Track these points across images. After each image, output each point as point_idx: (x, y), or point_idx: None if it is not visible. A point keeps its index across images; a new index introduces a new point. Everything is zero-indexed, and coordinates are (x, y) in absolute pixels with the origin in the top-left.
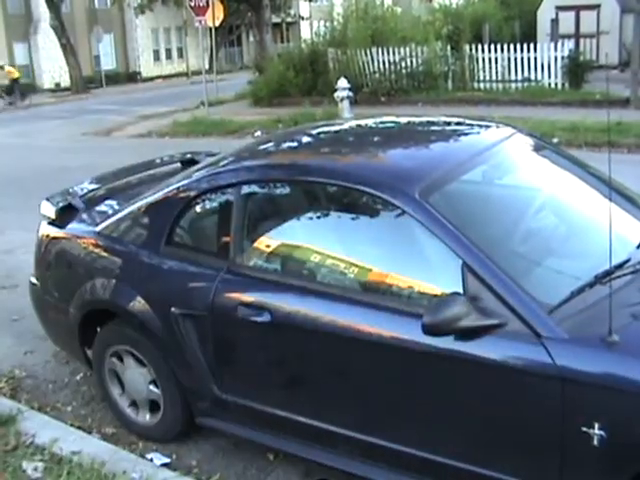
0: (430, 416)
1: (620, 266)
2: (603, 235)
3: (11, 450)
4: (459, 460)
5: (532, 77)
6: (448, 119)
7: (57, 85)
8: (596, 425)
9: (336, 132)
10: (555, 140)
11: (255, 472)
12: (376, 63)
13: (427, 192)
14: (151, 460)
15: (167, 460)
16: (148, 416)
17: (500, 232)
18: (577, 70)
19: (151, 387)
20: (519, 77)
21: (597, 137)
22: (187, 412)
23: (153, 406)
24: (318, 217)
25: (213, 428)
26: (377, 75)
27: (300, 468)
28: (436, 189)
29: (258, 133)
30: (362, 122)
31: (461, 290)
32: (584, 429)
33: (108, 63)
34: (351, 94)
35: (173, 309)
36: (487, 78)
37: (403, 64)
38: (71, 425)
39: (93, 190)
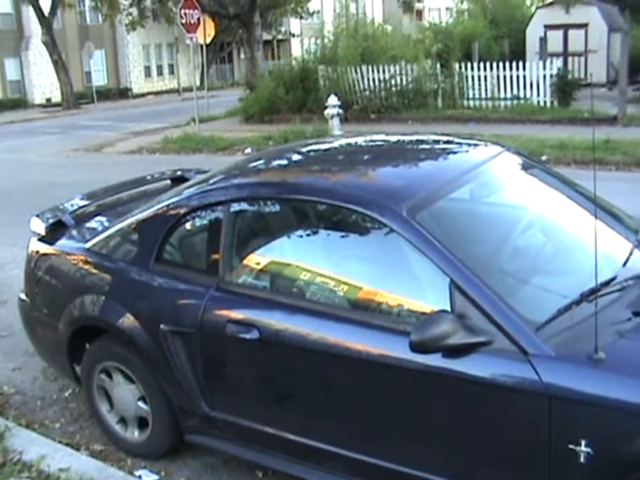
0: (418, 433)
1: (606, 284)
2: (590, 253)
3: None
4: (446, 477)
5: (521, 95)
6: (437, 137)
7: (48, 101)
8: (583, 442)
9: (326, 150)
10: (544, 158)
11: None
12: (366, 81)
13: (415, 210)
14: (139, 477)
15: (155, 477)
16: (137, 433)
17: (487, 250)
18: (566, 88)
19: (140, 404)
20: (508, 95)
21: (585, 154)
22: (176, 429)
23: (142, 423)
24: (307, 235)
25: (202, 445)
26: (367, 93)
27: None
28: (423, 207)
29: (248, 150)
30: (352, 140)
31: (449, 308)
32: (571, 446)
33: (99, 79)
34: (341, 111)
35: (162, 326)
36: (476, 96)
37: (393, 82)
38: (59, 442)
39: (83, 207)
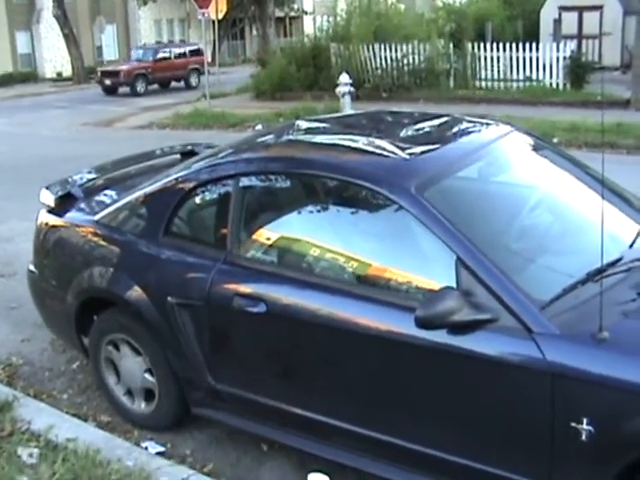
0: (422, 409)
1: (612, 264)
2: (597, 234)
3: (6, 436)
4: (449, 453)
5: (534, 77)
6: (447, 115)
7: (59, 75)
8: (584, 420)
9: (335, 126)
10: (555, 140)
11: (249, 462)
12: (378, 59)
13: (423, 187)
14: (146, 449)
15: (162, 449)
16: (143, 405)
17: (494, 228)
18: (579, 71)
19: (146, 376)
20: (521, 76)
21: (597, 137)
22: (182, 401)
23: (148, 395)
24: (316, 210)
25: (208, 418)
26: (379, 71)
27: (294, 459)
28: (432, 184)
29: (259, 127)
30: (361, 116)
31: (454, 284)
32: (573, 424)
33: (110, 54)
34: (353, 90)
35: (170, 299)
36: (489, 77)
37: (405, 61)
38: (67, 413)
39: (92, 179)
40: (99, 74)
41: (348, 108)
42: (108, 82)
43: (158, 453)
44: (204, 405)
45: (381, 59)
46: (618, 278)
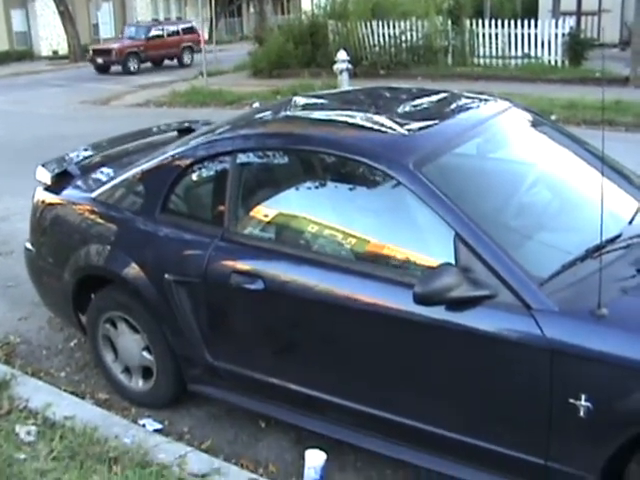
0: (420, 385)
1: (611, 241)
2: (596, 210)
3: (4, 414)
4: (447, 429)
5: (532, 54)
6: (445, 91)
7: (55, 53)
8: (583, 397)
9: (333, 102)
10: (553, 117)
11: (246, 439)
12: (376, 36)
13: (421, 163)
14: (143, 426)
15: (159, 426)
16: (141, 382)
17: (493, 205)
18: (577, 48)
19: (144, 353)
20: (519, 53)
21: (595, 115)
22: (179, 379)
23: (146, 372)
24: (314, 187)
25: (205, 395)
26: (377, 48)
27: (291, 435)
28: (430, 160)
29: (256, 104)
30: (359, 92)
31: (453, 261)
32: (571, 400)
33: (107, 32)
34: (350, 67)
35: (167, 276)
36: (487, 54)
37: (403, 38)
38: (64, 390)
39: (89, 157)
40: (91, 52)
41: (346, 85)
42: (100, 60)
43: (156, 430)
44: (201, 382)
45: (379, 36)
46: (617, 255)
